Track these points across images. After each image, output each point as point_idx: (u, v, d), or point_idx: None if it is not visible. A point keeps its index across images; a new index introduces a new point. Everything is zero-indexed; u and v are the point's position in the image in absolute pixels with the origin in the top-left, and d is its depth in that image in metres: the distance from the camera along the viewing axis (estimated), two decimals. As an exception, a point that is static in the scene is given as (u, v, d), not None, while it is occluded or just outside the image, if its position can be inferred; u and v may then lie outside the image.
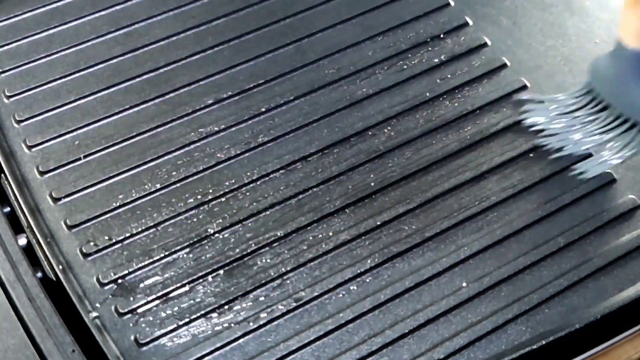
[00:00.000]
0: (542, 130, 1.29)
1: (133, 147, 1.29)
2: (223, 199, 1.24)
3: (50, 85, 1.35)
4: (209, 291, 1.16)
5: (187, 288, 1.16)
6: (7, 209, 1.22)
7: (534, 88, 1.35)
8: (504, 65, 1.38)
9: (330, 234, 1.21)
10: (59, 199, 1.24)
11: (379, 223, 1.22)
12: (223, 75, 1.37)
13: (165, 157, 1.28)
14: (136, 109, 1.33)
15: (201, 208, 1.23)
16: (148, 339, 1.12)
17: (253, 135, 1.31)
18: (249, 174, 1.26)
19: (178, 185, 1.25)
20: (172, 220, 1.22)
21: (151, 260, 1.18)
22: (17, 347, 1.07)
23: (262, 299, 1.15)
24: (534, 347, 1.07)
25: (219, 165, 1.28)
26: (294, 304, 1.15)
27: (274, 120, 1.32)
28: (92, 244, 1.19)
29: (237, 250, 1.19)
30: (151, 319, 1.14)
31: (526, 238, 1.20)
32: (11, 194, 1.22)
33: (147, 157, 1.28)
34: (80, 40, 1.40)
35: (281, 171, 1.27)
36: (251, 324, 1.13)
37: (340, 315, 1.14)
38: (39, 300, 1.11)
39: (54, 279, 1.14)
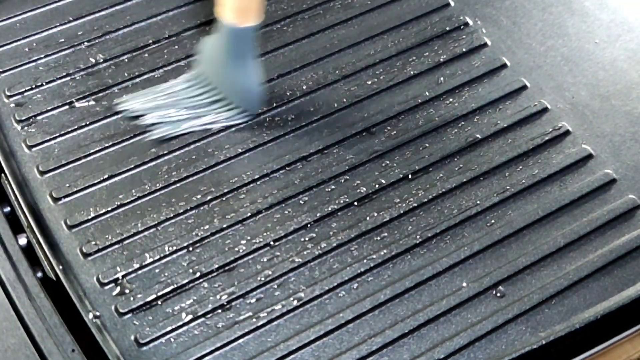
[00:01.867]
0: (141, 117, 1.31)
1: (133, 147, 1.29)
2: (223, 199, 1.24)
3: (50, 85, 1.35)
4: (209, 291, 1.16)
5: (187, 288, 1.16)
6: (7, 209, 1.22)
7: (534, 88, 1.35)
8: (504, 65, 1.38)
9: (330, 234, 1.21)
10: (59, 199, 1.24)
11: (379, 223, 1.22)
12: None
13: (165, 157, 1.28)
14: (136, 109, 1.34)
15: (201, 208, 1.23)
16: (148, 339, 1.12)
17: (253, 135, 1.31)
18: (249, 174, 1.26)
19: (178, 185, 1.25)
20: (172, 220, 1.22)
21: (151, 260, 1.18)
22: (17, 347, 1.07)
23: (262, 299, 1.15)
24: (534, 346, 1.08)
25: (219, 165, 1.28)
26: (294, 304, 1.15)
27: (273, 120, 1.32)
28: (92, 243, 1.19)
29: (237, 250, 1.19)
30: (151, 319, 1.14)
31: (526, 238, 1.21)
32: (11, 194, 1.22)
33: (147, 157, 1.28)
34: (80, 40, 1.40)
35: (281, 171, 1.27)
36: (251, 324, 1.13)
37: (340, 315, 1.14)
38: (39, 300, 1.11)
39: (54, 278, 1.14)
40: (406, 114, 1.33)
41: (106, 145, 1.29)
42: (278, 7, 1.45)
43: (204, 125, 1.30)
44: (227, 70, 1.28)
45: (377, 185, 1.25)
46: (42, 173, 1.26)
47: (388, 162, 1.28)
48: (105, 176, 1.26)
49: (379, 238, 1.21)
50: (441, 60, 1.39)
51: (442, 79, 1.37)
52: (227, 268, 1.18)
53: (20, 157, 1.28)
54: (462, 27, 1.43)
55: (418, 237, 1.20)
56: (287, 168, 1.27)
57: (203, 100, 1.30)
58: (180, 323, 1.13)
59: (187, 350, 1.11)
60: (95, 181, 1.25)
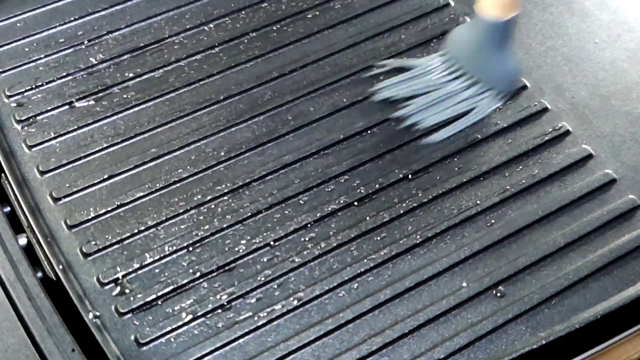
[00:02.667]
0: (396, 102, 1.33)
1: (133, 147, 1.29)
2: (223, 199, 1.24)
3: (50, 85, 1.35)
4: (209, 291, 1.16)
5: (187, 288, 1.16)
6: (7, 209, 1.22)
7: (534, 88, 1.35)
8: (504, 66, 1.38)
9: (330, 234, 1.21)
10: (59, 199, 1.24)
11: (379, 223, 1.22)
12: (223, 75, 1.37)
13: (165, 157, 1.28)
14: (136, 108, 1.33)
15: (201, 208, 1.23)
16: (148, 339, 1.12)
17: (253, 135, 1.31)
18: (249, 174, 1.26)
19: (178, 185, 1.25)
20: (172, 220, 1.22)
21: (151, 260, 1.18)
22: (17, 347, 1.07)
23: (262, 299, 1.15)
24: (534, 346, 1.08)
25: (219, 165, 1.28)
26: (294, 304, 1.15)
27: (274, 121, 1.32)
28: (92, 243, 1.19)
29: (237, 250, 1.19)
30: (151, 318, 1.14)
31: (526, 238, 1.21)
32: (11, 194, 1.22)
33: (147, 157, 1.28)
34: (81, 40, 1.40)
35: (281, 171, 1.27)
36: (251, 324, 1.13)
37: (340, 315, 1.14)
38: (39, 300, 1.11)
39: (54, 278, 1.14)
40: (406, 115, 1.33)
41: (106, 145, 1.29)
42: (278, 7, 1.45)
43: (466, 115, 1.32)
44: (485, 60, 1.31)
45: (377, 185, 1.25)
46: (42, 173, 1.26)
47: (388, 162, 1.28)
48: (106, 176, 1.26)
49: (379, 238, 1.21)
50: (441, 60, 1.39)
51: (442, 79, 1.37)
52: (227, 268, 1.18)
53: (20, 157, 1.28)
54: (462, 27, 1.43)
55: (418, 237, 1.20)
56: (287, 168, 1.27)
57: (460, 85, 1.33)
58: (180, 323, 1.13)
59: (187, 350, 1.11)
60: (96, 181, 1.25)
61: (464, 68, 1.33)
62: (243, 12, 1.44)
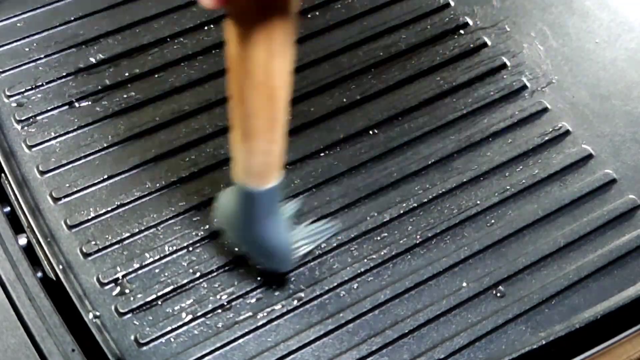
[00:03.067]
0: None
1: (133, 147, 1.29)
2: (223, 199, 1.24)
3: (50, 85, 1.35)
4: (209, 291, 1.16)
5: (187, 288, 1.16)
6: (8, 209, 1.22)
7: (533, 88, 1.35)
8: (504, 66, 1.38)
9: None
10: (59, 199, 1.23)
11: (379, 223, 1.22)
12: (224, 76, 1.36)
13: (165, 157, 1.28)
14: (136, 109, 1.33)
15: (201, 208, 1.23)
16: (148, 339, 1.12)
17: (253, 135, 1.31)
18: (249, 174, 1.26)
19: (178, 185, 1.25)
20: (172, 220, 1.22)
21: (151, 260, 1.18)
22: (17, 347, 1.07)
23: (262, 299, 1.15)
24: (534, 346, 1.08)
25: (218, 166, 1.27)
26: (294, 304, 1.15)
27: (274, 120, 1.32)
28: (92, 243, 1.19)
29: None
30: (151, 318, 1.13)
31: (526, 238, 1.21)
32: (11, 194, 1.21)
33: (147, 157, 1.28)
34: (81, 41, 1.40)
35: (281, 171, 1.27)
36: (251, 324, 1.13)
37: (340, 315, 1.14)
38: (39, 300, 1.11)
39: (54, 278, 1.14)
40: (406, 114, 1.33)
41: (106, 145, 1.29)
42: (278, 7, 1.45)
43: None
44: (250, 232, 1.13)
45: (377, 186, 1.25)
46: (42, 173, 1.26)
47: (388, 162, 1.28)
48: (105, 176, 1.26)
49: (379, 238, 1.21)
50: (441, 60, 1.39)
51: (442, 79, 1.37)
52: (227, 268, 1.18)
53: (20, 157, 1.28)
54: (462, 27, 1.43)
55: (418, 237, 1.20)
56: (287, 168, 1.27)
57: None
58: (180, 323, 1.13)
59: (187, 350, 1.11)
60: (96, 181, 1.25)
61: (231, 241, 1.18)
62: (243, 12, 1.44)
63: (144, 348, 1.11)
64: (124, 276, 1.17)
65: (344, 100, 1.34)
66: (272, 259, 1.15)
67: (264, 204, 1.09)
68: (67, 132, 1.30)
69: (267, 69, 0.98)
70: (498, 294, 1.16)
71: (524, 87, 1.36)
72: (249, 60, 0.98)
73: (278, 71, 0.99)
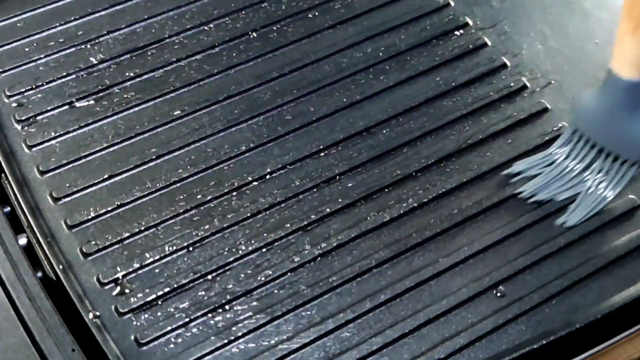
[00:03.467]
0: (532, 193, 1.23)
1: (133, 147, 1.29)
2: (223, 199, 1.24)
3: (50, 85, 1.35)
4: (209, 291, 1.16)
5: (187, 288, 1.16)
6: (8, 209, 1.22)
7: (533, 88, 1.35)
8: (504, 66, 1.38)
9: (331, 234, 1.21)
10: (59, 199, 1.23)
11: (379, 223, 1.22)
12: (223, 75, 1.37)
13: (166, 157, 1.28)
14: (136, 108, 1.33)
15: (201, 208, 1.23)
16: (148, 339, 1.11)
17: (253, 135, 1.31)
18: (249, 174, 1.26)
19: (178, 185, 1.25)
20: (173, 220, 1.22)
21: (151, 259, 1.18)
22: (17, 347, 1.07)
23: (262, 299, 1.15)
24: (535, 346, 1.07)
25: (219, 165, 1.27)
26: (294, 304, 1.15)
27: (274, 121, 1.32)
28: (92, 243, 1.19)
29: (237, 250, 1.19)
30: (151, 318, 1.13)
31: (526, 238, 1.20)
32: (11, 194, 1.21)
33: (147, 157, 1.28)
34: (81, 40, 1.40)
35: (281, 171, 1.27)
36: (251, 324, 1.13)
37: (340, 315, 1.14)
38: (39, 300, 1.11)
39: (54, 278, 1.14)
40: (406, 114, 1.33)
41: (106, 145, 1.29)
42: (278, 7, 1.45)
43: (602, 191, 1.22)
44: (620, 128, 1.18)
45: (377, 186, 1.25)
46: (42, 173, 1.26)
47: (388, 162, 1.28)
48: (106, 176, 1.26)
49: (379, 238, 1.21)
50: (441, 60, 1.39)
51: (442, 79, 1.37)
52: (227, 268, 1.18)
53: (20, 157, 1.28)
54: (462, 27, 1.43)
55: (418, 237, 1.20)
56: (287, 168, 1.27)
57: (597, 169, 1.22)
58: (180, 323, 1.13)
59: (187, 350, 1.11)
60: (96, 181, 1.25)
61: (597, 143, 1.21)
62: (243, 12, 1.44)
63: (144, 348, 1.11)
64: (124, 276, 1.17)
65: (344, 100, 1.34)
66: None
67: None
68: (67, 132, 1.30)
69: None
70: (498, 294, 1.15)
71: (524, 87, 1.35)
72: None
73: None
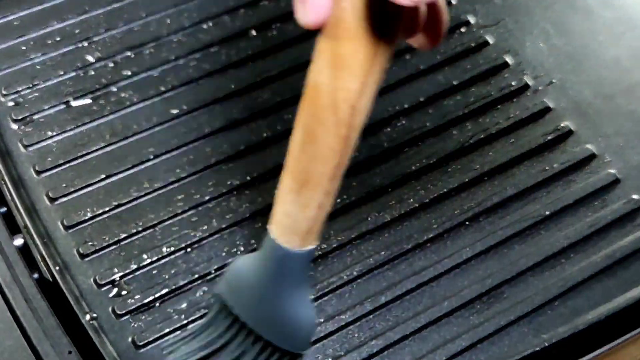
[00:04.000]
0: None
1: (131, 147, 1.28)
2: (222, 199, 1.23)
3: (47, 84, 1.35)
4: (207, 293, 1.15)
5: (185, 289, 1.15)
6: (3, 209, 1.21)
7: (536, 87, 1.35)
8: (506, 64, 1.37)
9: (331, 233, 1.20)
10: (56, 199, 1.23)
11: (379, 223, 1.21)
12: (223, 74, 1.37)
13: (163, 157, 1.27)
14: (134, 107, 1.32)
15: (199, 208, 1.22)
16: (146, 341, 1.10)
17: (253, 135, 1.30)
18: (248, 174, 1.25)
19: (176, 185, 1.25)
20: (171, 221, 1.21)
21: (149, 261, 1.17)
22: (13, 349, 1.06)
23: (261, 300, 1.15)
24: (537, 348, 1.07)
25: (218, 165, 1.27)
26: (294, 305, 1.14)
27: (274, 120, 1.31)
28: (89, 244, 1.18)
29: (236, 251, 1.18)
30: (149, 320, 1.13)
31: (529, 239, 1.20)
32: (7, 194, 1.21)
33: (145, 157, 1.27)
34: (78, 39, 1.39)
35: (281, 171, 1.26)
36: (250, 325, 1.12)
37: (340, 317, 1.13)
38: (35, 301, 1.10)
39: (51, 279, 1.14)
40: (406, 114, 1.32)
41: (103, 144, 1.28)
42: (278, 6, 1.44)
43: None
44: (269, 304, 0.97)
45: (377, 186, 1.24)
46: (38, 173, 1.25)
47: (389, 161, 1.27)
48: (103, 176, 1.25)
49: (379, 239, 1.20)
50: (442, 59, 1.38)
51: (442, 79, 1.36)
52: (226, 269, 1.17)
53: (16, 156, 1.27)
54: (463, 25, 1.42)
55: (419, 237, 1.19)
56: (286, 168, 1.26)
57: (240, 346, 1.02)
58: (178, 325, 1.12)
59: (186, 352, 1.10)
60: (93, 181, 1.24)
61: (245, 323, 1.00)
62: (242, 10, 1.44)
63: (142, 350, 1.10)
64: (121, 277, 1.16)
65: (344, 99, 1.33)
66: (289, 338, 0.98)
67: (299, 270, 0.94)
68: (64, 132, 1.30)
69: (356, 105, 0.85)
70: (500, 296, 1.15)
71: (526, 86, 1.35)
72: (339, 91, 0.84)
73: (364, 109, 0.86)
